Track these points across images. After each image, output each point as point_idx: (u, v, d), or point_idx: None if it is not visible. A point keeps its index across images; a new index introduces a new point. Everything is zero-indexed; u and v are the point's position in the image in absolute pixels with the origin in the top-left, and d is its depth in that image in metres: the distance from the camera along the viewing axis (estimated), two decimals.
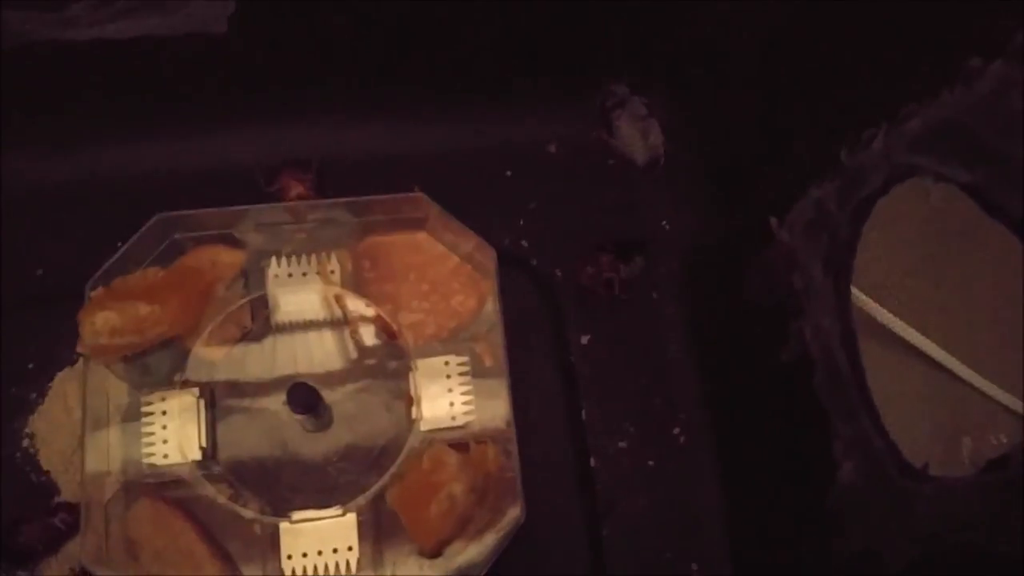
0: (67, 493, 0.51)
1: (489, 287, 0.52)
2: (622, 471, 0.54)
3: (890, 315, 0.55)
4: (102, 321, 0.46)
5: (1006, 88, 0.32)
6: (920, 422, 0.54)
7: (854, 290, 0.54)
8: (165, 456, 0.47)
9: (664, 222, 0.59)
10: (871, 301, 0.55)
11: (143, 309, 0.47)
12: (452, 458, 0.46)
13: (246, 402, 0.49)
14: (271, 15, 0.53)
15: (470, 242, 0.52)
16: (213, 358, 0.50)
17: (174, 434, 0.47)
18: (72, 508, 0.49)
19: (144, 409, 0.48)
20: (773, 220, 0.48)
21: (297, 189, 0.56)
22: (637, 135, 0.60)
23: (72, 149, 0.57)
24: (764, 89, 0.53)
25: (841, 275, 0.43)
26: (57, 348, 0.53)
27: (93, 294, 0.48)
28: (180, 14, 0.52)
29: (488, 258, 0.51)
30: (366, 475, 0.48)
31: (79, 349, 0.47)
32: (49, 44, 0.51)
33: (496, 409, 0.49)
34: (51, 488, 0.51)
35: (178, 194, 0.53)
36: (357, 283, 0.52)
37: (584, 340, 0.56)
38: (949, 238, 0.52)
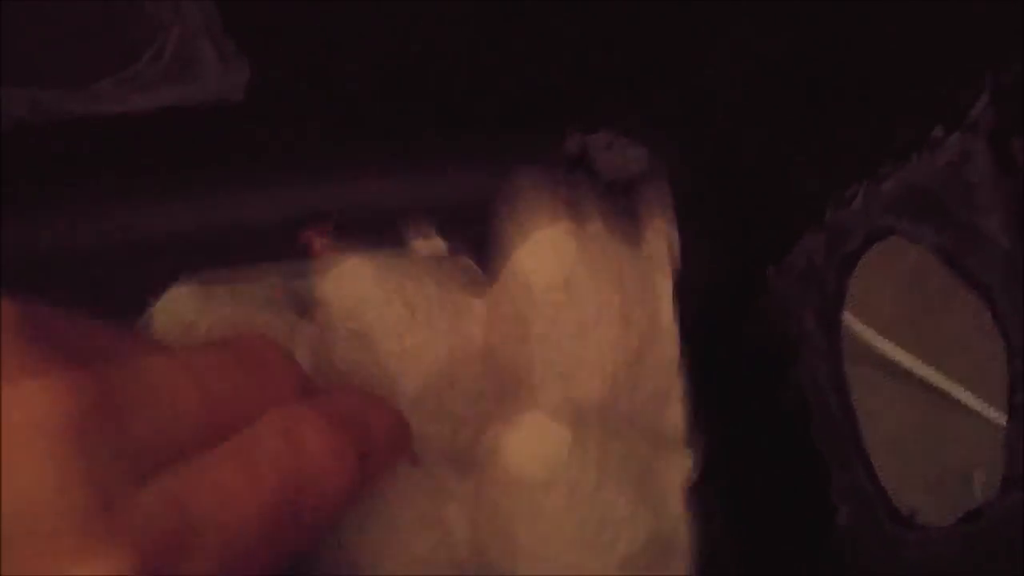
0: None
1: None
2: None
3: (899, 349, 0.56)
4: None
5: (964, 160, 0.33)
6: (933, 455, 0.55)
7: (862, 326, 0.55)
8: None
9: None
10: (877, 335, 0.56)
11: None
12: None
13: None
14: (284, 83, 0.56)
15: None
16: None
17: None
18: None
19: None
20: (770, 269, 0.49)
21: (320, 241, 0.59)
22: (614, 159, 0.61)
23: (99, 214, 0.59)
24: (760, 137, 0.54)
25: (831, 325, 0.44)
26: None
27: None
28: (198, 85, 0.55)
29: None
30: None
31: None
32: (76, 119, 0.54)
33: None
34: None
35: (202, 255, 0.55)
36: None
37: None
38: (928, 295, 0.53)
